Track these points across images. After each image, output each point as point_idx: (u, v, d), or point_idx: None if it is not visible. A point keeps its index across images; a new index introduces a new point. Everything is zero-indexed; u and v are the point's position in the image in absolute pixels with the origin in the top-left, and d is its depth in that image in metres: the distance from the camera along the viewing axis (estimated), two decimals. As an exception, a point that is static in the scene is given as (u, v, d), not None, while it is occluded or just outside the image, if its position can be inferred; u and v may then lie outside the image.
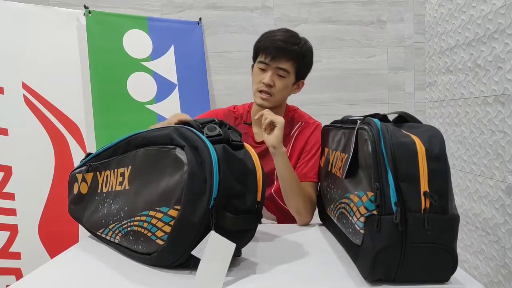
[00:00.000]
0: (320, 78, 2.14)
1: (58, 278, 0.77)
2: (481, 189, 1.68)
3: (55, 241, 1.75)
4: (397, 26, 2.19)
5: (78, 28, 1.89)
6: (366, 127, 0.75)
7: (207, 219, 0.72)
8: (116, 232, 0.86)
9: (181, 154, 0.75)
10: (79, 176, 0.99)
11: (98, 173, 0.95)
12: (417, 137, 0.70)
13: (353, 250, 0.79)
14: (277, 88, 1.18)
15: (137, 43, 1.97)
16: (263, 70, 1.18)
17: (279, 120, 1.07)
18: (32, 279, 0.77)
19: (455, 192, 1.85)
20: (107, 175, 0.92)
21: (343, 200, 0.83)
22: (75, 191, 1.01)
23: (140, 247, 0.81)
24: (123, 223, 0.84)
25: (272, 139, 1.07)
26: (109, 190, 0.91)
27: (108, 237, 0.90)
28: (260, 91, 1.18)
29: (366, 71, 2.19)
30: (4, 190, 1.72)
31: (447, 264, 0.69)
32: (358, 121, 0.80)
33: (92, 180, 0.97)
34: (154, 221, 0.76)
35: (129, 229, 0.82)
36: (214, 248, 0.71)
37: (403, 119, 0.80)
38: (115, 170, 0.90)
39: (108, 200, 0.91)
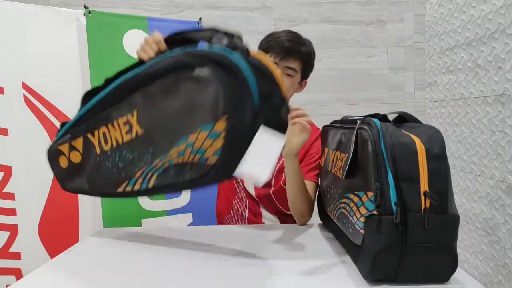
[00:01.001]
0: (320, 78, 2.13)
1: (58, 278, 0.77)
2: (481, 189, 1.68)
3: (55, 241, 1.75)
4: (397, 26, 2.18)
5: (78, 28, 1.89)
6: (366, 127, 0.75)
7: (254, 120, 0.73)
8: (148, 176, 0.84)
9: (204, 71, 0.74)
10: (65, 147, 0.93)
11: (89, 135, 0.90)
12: (417, 137, 0.70)
13: (353, 250, 0.79)
14: (285, 87, 1.19)
15: (137, 43, 1.96)
16: None
17: (308, 127, 1.03)
18: (32, 279, 0.77)
19: (455, 192, 1.85)
20: (104, 132, 0.88)
21: (343, 200, 0.83)
22: (64, 164, 0.95)
23: (187, 176, 0.80)
24: (154, 164, 0.82)
25: (298, 144, 1.03)
26: (115, 144, 0.87)
27: (136, 187, 0.86)
28: None
29: (366, 71, 2.19)
30: (4, 190, 1.72)
31: (447, 264, 0.69)
32: (358, 121, 0.80)
33: (84, 145, 0.91)
34: (199, 143, 0.76)
35: (166, 165, 0.81)
36: (264, 140, 0.73)
37: (403, 119, 0.80)
38: (114, 122, 0.86)
39: (118, 154, 0.87)
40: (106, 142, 0.88)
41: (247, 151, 0.72)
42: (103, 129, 0.88)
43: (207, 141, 0.75)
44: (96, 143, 0.90)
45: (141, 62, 0.89)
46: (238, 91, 0.73)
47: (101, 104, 0.88)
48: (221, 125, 0.73)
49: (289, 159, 1.07)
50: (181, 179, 0.81)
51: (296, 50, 1.18)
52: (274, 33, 1.22)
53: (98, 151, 0.90)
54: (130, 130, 0.84)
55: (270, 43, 1.19)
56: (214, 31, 0.82)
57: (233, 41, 0.78)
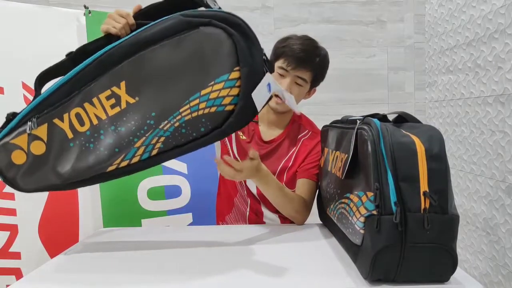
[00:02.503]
0: (320, 78, 2.13)
1: (58, 278, 0.77)
2: (481, 189, 1.68)
3: (55, 241, 1.75)
4: (397, 26, 2.18)
5: (78, 28, 1.89)
6: (365, 127, 0.75)
7: (263, 65, 0.84)
8: (153, 142, 0.84)
9: (210, 29, 0.80)
10: (21, 140, 0.83)
11: (56, 120, 0.83)
12: (417, 137, 0.70)
13: (353, 250, 0.79)
14: (293, 95, 1.19)
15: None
16: (281, 75, 1.19)
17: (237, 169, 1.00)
18: (32, 279, 0.77)
19: (455, 192, 1.85)
20: (77, 113, 0.83)
21: (343, 200, 0.83)
22: (20, 160, 0.84)
23: (202, 129, 0.84)
24: (161, 126, 0.83)
25: (252, 168, 1.02)
26: (96, 122, 0.83)
27: (135, 160, 0.85)
28: (276, 95, 1.19)
29: (366, 71, 2.19)
30: (4, 190, 1.72)
31: (447, 264, 0.69)
32: (358, 121, 0.80)
33: (49, 133, 0.83)
34: (214, 94, 0.81)
35: (177, 124, 0.83)
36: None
37: (403, 119, 0.81)
38: (92, 100, 0.82)
39: (103, 131, 0.83)
40: (82, 123, 0.83)
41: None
42: (75, 110, 0.83)
43: (224, 91, 0.81)
44: (66, 127, 0.83)
45: (107, 37, 0.88)
46: (248, 43, 0.81)
47: (72, 83, 0.83)
48: (236, 75, 0.81)
49: (260, 181, 1.07)
50: (194, 135, 0.84)
51: (309, 62, 1.17)
52: (290, 37, 1.21)
53: (70, 135, 0.83)
54: (117, 103, 0.82)
55: (284, 49, 1.18)
56: None
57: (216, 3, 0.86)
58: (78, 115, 0.83)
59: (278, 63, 1.20)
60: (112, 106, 0.83)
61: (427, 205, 0.66)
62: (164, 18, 0.82)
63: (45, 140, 0.83)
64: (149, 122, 0.82)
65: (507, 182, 1.50)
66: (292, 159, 1.23)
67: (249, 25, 0.82)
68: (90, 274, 0.79)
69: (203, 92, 0.81)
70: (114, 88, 0.82)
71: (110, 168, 0.85)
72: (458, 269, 0.70)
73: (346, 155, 0.83)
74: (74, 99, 0.83)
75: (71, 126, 0.83)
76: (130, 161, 0.85)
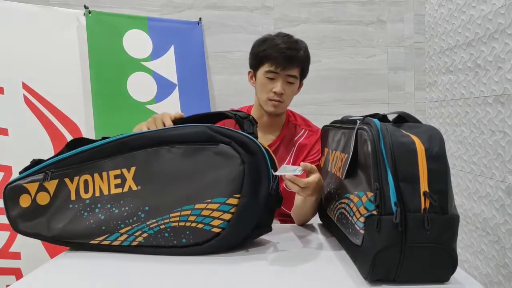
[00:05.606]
0: (320, 78, 2.13)
1: (58, 278, 0.77)
2: (481, 189, 1.68)
3: (55, 241, 1.75)
4: (397, 26, 2.18)
5: (78, 28, 1.89)
6: (365, 127, 0.75)
7: (266, 203, 0.84)
8: (137, 234, 0.86)
9: (228, 149, 0.81)
10: (32, 186, 0.89)
11: (67, 179, 0.89)
12: (417, 137, 0.70)
13: (353, 250, 0.79)
14: (288, 94, 1.20)
15: (137, 43, 1.97)
16: (271, 79, 1.18)
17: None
18: (32, 279, 0.77)
19: (455, 192, 1.85)
20: (86, 180, 0.88)
21: (343, 200, 0.83)
22: (25, 204, 0.90)
23: (184, 240, 0.84)
24: (148, 223, 0.84)
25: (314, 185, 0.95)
26: (98, 195, 0.88)
27: (116, 243, 0.87)
28: (271, 100, 1.19)
29: (366, 71, 2.19)
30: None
31: (447, 264, 0.69)
32: (358, 121, 0.80)
33: (57, 188, 0.89)
34: (206, 212, 0.81)
35: (162, 226, 0.84)
36: None
37: (403, 119, 0.81)
38: (102, 173, 0.87)
39: (100, 205, 0.87)
40: (86, 191, 0.88)
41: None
42: (85, 176, 0.88)
43: (216, 212, 0.81)
44: (72, 188, 0.89)
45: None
46: (258, 175, 0.82)
47: (92, 152, 0.88)
48: (233, 201, 0.80)
49: (308, 199, 1.02)
50: (175, 243, 0.85)
51: (296, 58, 1.16)
52: (268, 39, 1.19)
53: (74, 197, 0.89)
54: (122, 184, 0.86)
55: (267, 52, 1.16)
56: (239, 118, 0.90)
57: (254, 128, 0.88)
58: (85, 182, 0.88)
59: (264, 68, 1.18)
60: (116, 186, 0.87)
61: (427, 205, 0.66)
62: (191, 124, 0.86)
63: (51, 193, 0.90)
64: (140, 214, 0.85)
65: (507, 182, 1.50)
66: (291, 163, 1.23)
67: (265, 155, 0.83)
68: (91, 274, 0.79)
69: (197, 206, 0.82)
70: (124, 170, 0.86)
71: (93, 242, 0.89)
72: (458, 269, 0.70)
73: (346, 155, 0.83)
74: (88, 166, 0.88)
75: (77, 189, 0.89)
76: (111, 243, 0.88)
